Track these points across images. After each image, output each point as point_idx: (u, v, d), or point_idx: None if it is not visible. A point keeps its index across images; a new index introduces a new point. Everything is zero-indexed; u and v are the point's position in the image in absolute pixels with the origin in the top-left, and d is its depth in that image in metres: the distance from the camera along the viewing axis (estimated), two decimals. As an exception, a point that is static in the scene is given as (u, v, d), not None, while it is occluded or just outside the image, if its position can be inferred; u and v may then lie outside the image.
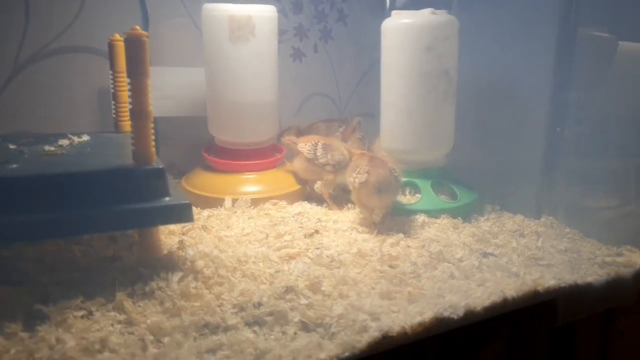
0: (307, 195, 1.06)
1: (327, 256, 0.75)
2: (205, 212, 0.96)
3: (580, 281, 0.70)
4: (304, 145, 1.02)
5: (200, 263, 0.71)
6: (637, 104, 0.87)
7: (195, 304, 0.63)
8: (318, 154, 0.99)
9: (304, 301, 0.63)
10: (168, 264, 0.71)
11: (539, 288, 0.67)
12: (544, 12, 0.94)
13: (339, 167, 0.98)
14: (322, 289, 0.66)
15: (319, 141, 1.01)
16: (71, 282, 0.67)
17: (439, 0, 1.12)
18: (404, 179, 1.01)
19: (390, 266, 0.73)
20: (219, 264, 0.72)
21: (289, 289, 0.65)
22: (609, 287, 0.72)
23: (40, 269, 0.71)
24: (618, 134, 0.86)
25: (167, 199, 0.70)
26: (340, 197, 1.03)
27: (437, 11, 0.97)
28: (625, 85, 0.89)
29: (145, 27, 1.09)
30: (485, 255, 0.77)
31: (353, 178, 0.88)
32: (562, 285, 0.69)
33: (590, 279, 0.72)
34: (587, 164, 0.90)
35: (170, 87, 1.12)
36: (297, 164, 1.05)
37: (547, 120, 0.94)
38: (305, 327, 0.59)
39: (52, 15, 1.02)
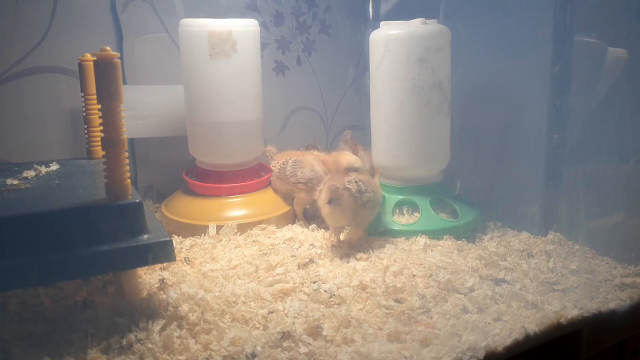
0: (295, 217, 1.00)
1: (325, 291, 0.68)
2: (188, 242, 0.89)
3: (603, 308, 0.65)
4: (276, 164, 0.98)
5: (184, 307, 0.64)
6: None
7: (180, 357, 0.55)
8: (287, 172, 0.95)
9: (303, 349, 0.56)
10: (148, 309, 0.63)
11: (562, 320, 0.61)
12: (538, 18, 0.89)
13: (312, 184, 0.93)
14: (323, 333, 0.59)
15: (290, 158, 0.96)
16: (36, 336, 0.60)
17: (424, 9, 1.07)
18: (400, 197, 0.95)
19: (397, 300, 0.67)
20: (205, 307, 0.64)
21: (285, 335, 0.58)
22: (632, 312, 0.66)
23: (2, 319, 0.63)
24: (628, 140, 0.81)
25: (145, 236, 0.62)
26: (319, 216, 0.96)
27: (428, 21, 0.91)
28: (623, 89, 0.84)
29: (120, 43, 1.02)
30: (497, 282, 0.72)
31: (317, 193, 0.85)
32: (586, 315, 0.63)
33: (612, 304, 0.66)
34: (594, 174, 0.85)
35: (147, 107, 1.04)
36: (272, 182, 1.02)
37: (545, 128, 0.89)
38: (307, 381, 0.52)
39: (18, 33, 0.94)
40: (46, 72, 0.97)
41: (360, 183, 0.82)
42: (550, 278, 0.74)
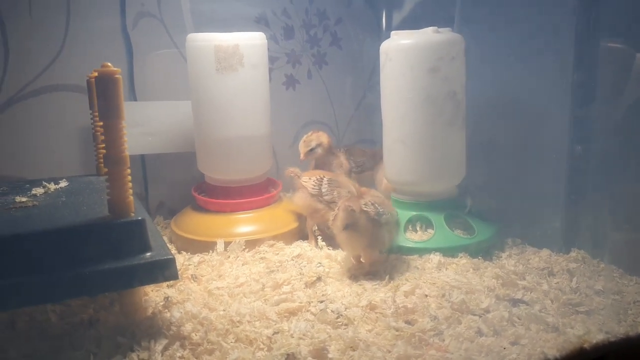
0: (305, 234, 0.97)
1: (332, 311, 0.66)
2: (196, 258, 0.87)
3: (631, 333, 0.61)
4: (308, 180, 0.94)
5: (187, 327, 0.62)
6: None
7: (181, 380, 0.54)
8: (323, 190, 0.91)
9: (308, 373, 0.53)
10: (151, 329, 0.62)
11: (586, 345, 0.57)
12: (558, 23, 0.86)
13: None
14: (329, 355, 0.56)
15: (324, 176, 0.93)
16: (42, 354, 0.59)
17: (439, 19, 1.05)
18: (413, 213, 0.92)
19: (407, 322, 0.63)
20: (209, 327, 0.62)
21: (290, 357, 0.56)
22: (664, 337, 0.62)
23: (9, 337, 0.63)
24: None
25: (147, 254, 0.61)
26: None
27: (440, 29, 0.89)
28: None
29: (130, 60, 1.03)
30: (515, 303, 0.68)
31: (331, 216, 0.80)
32: (612, 339, 0.59)
33: (641, 328, 0.62)
34: (621, 187, 0.80)
35: (156, 123, 1.04)
36: (299, 200, 0.96)
37: (567, 139, 0.85)
38: (311, 408, 0.49)
39: (32, 52, 0.95)
40: (59, 90, 0.98)
41: (377, 205, 0.78)
42: (573, 299, 0.70)
